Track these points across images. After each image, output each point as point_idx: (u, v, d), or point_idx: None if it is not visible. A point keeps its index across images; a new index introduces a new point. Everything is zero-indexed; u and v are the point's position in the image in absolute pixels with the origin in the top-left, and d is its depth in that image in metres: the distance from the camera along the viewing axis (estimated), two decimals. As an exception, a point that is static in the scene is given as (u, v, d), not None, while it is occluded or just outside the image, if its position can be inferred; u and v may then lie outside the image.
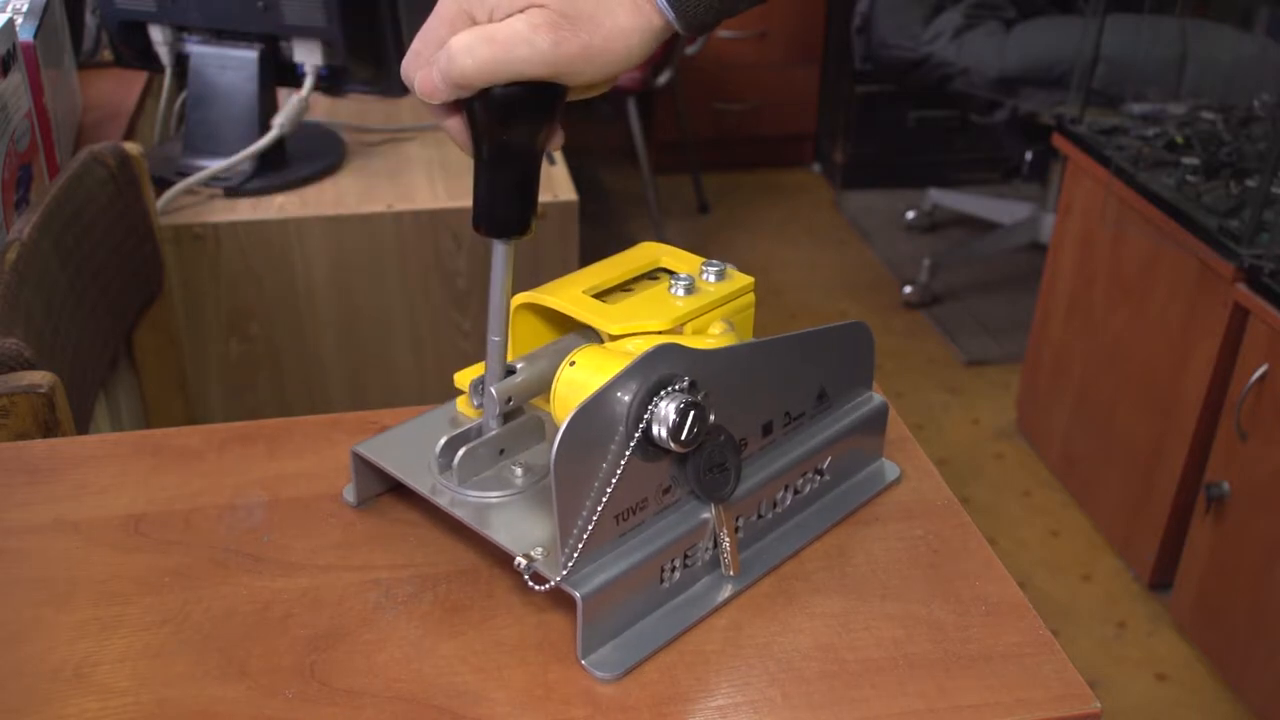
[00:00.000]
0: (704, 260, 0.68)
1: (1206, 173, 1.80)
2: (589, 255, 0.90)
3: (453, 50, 0.55)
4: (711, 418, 0.59)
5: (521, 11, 0.55)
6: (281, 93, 1.44)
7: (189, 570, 0.65)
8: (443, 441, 0.65)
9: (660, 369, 0.58)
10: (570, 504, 0.56)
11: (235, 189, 1.38)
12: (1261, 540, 1.64)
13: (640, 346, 0.61)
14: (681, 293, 0.65)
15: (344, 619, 0.62)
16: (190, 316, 1.38)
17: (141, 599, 0.63)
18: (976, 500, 2.22)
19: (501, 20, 0.55)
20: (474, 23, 0.56)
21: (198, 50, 1.39)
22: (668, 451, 0.58)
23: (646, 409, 0.57)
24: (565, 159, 1.51)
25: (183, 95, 1.48)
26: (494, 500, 0.64)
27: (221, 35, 1.38)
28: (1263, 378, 1.59)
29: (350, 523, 0.69)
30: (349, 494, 0.71)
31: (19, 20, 1.21)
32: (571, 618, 0.58)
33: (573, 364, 0.61)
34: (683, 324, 0.64)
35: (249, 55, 1.37)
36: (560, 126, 0.61)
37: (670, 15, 0.57)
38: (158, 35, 1.40)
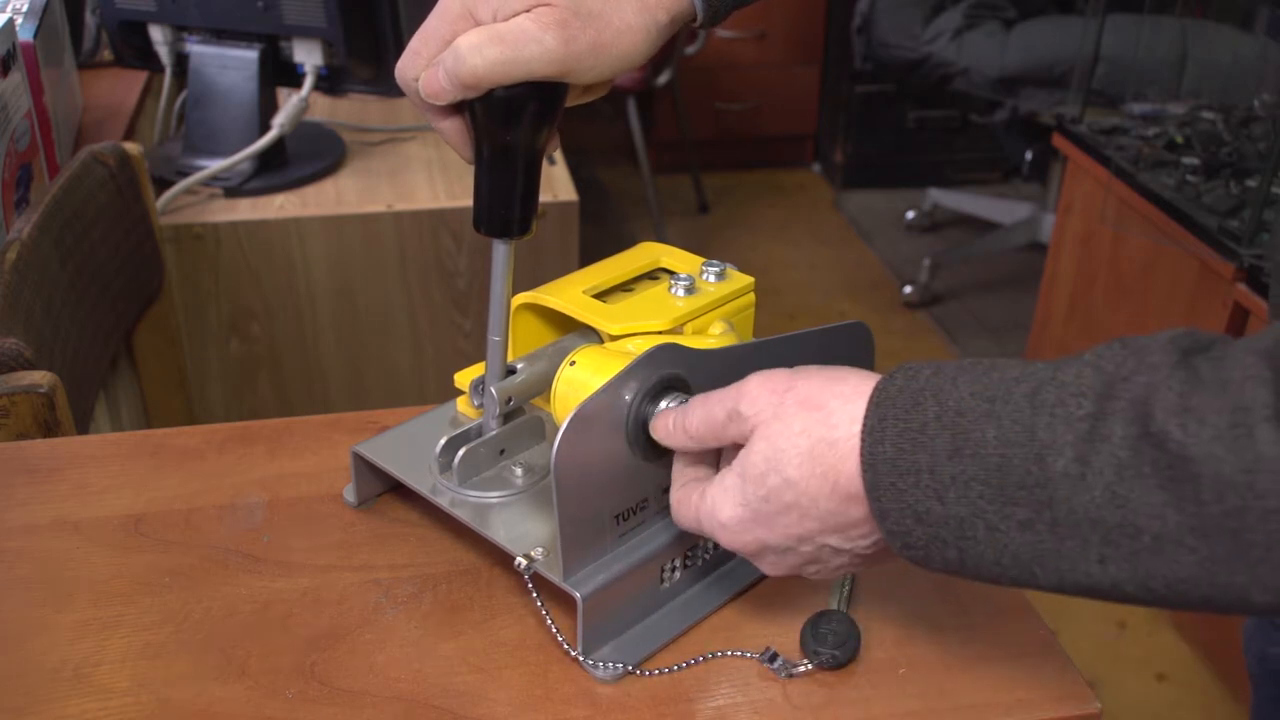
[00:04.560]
0: (704, 260, 0.68)
1: (1206, 173, 1.80)
2: (589, 255, 0.90)
3: (461, 50, 0.54)
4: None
5: (527, 11, 0.55)
6: (281, 93, 1.43)
7: (189, 570, 0.65)
8: (443, 441, 0.65)
9: (660, 369, 0.58)
10: (570, 504, 0.56)
11: (235, 189, 1.38)
12: (1261, 540, 1.63)
13: (640, 346, 0.61)
14: (681, 293, 0.65)
15: (344, 619, 0.62)
16: (190, 316, 1.38)
17: (141, 599, 0.63)
18: (976, 500, 2.21)
19: (507, 19, 0.55)
20: (477, 22, 0.56)
21: (198, 50, 1.38)
22: (668, 451, 0.58)
23: (647, 409, 0.57)
24: (565, 159, 1.51)
25: (183, 95, 1.48)
26: (494, 500, 0.64)
27: (221, 35, 1.38)
28: (1263, 378, 1.59)
29: (350, 523, 0.69)
30: (349, 494, 0.71)
31: (19, 20, 1.21)
32: (572, 618, 0.58)
33: (573, 364, 0.61)
34: (683, 324, 0.64)
35: (249, 55, 1.37)
36: (557, 129, 0.61)
37: (699, 5, 0.58)
38: (158, 35, 1.40)
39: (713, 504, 0.54)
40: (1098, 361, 0.44)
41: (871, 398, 0.49)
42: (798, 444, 0.51)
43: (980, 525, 0.46)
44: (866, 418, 0.49)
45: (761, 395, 0.53)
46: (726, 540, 0.55)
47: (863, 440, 0.49)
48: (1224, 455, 0.40)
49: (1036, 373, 0.46)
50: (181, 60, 1.42)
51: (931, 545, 0.48)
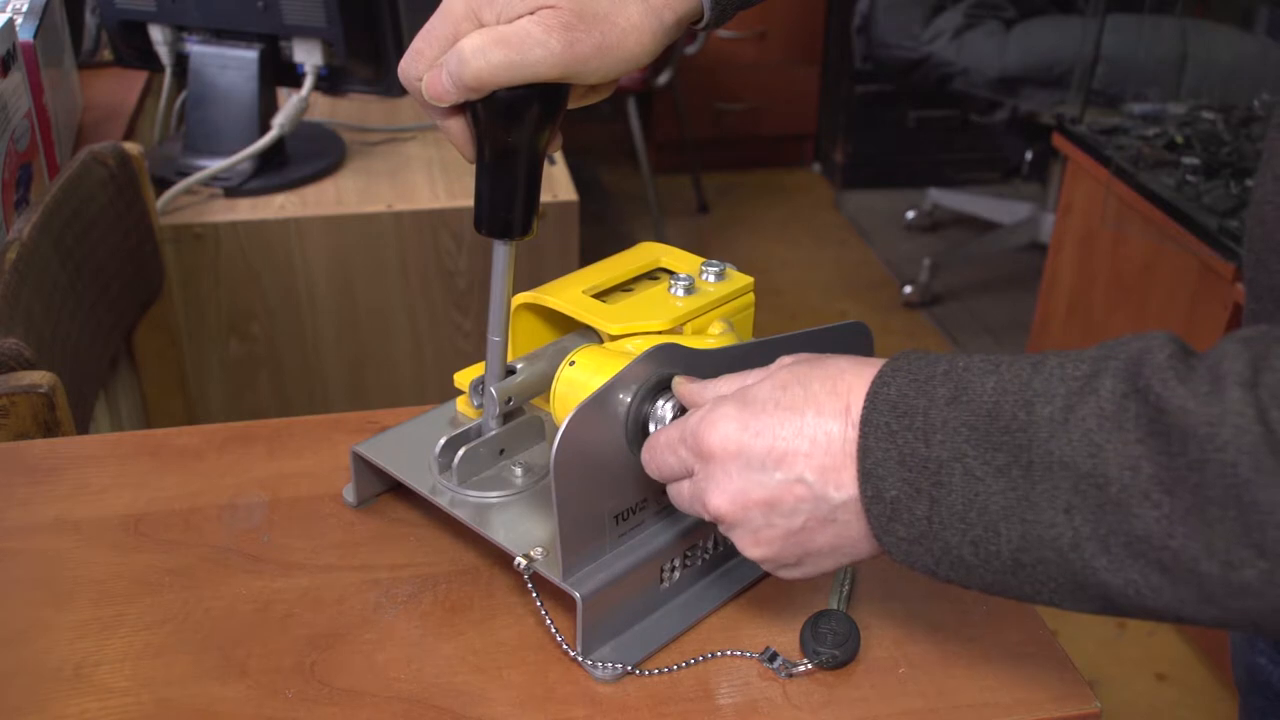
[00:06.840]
0: (704, 260, 0.68)
1: (1206, 173, 1.80)
2: (589, 255, 0.90)
3: (464, 53, 0.54)
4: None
5: (532, 13, 0.55)
6: (281, 93, 1.43)
7: (189, 570, 0.65)
8: (443, 441, 0.65)
9: (659, 369, 0.58)
10: (570, 504, 0.56)
11: (235, 189, 1.38)
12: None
13: (640, 346, 0.61)
14: (681, 293, 0.65)
15: (344, 619, 0.62)
16: (190, 316, 1.38)
17: (141, 599, 0.63)
18: (976, 500, 2.21)
19: (511, 21, 0.55)
20: (481, 24, 0.55)
21: (198, 50, 1.39)
22: (668, 451, 0.58)
23: (646, 409, 0.57)
24: (565, 159, 1.51)
25: (183, 95, 1.48)
26: (494, 500, 0.64)
27: (221, 35, 1.38)
28: (1263, 378, 1.58)
29: (350, 523, 0.69)
30: (349, 494, 0.71)
31: (19, 20, 1.21)
32: (571, 618, 0.58)
33: (573, 364, 0.61)
34: (683, 324, 0.64)
35: (249, 55, 1.37)
36: (559, 129, 0.61)
37: (706, 4, 0.58)
38: (158, 35, 1.40)
39: (704, 419, 0.53)
40: (1101, 343, 0.47)
41: (890, 360, 0.51)
42: (822, 370, 0.52)
43: (958, 469, 0.47)
44: (881, 371, 0.51)
45: (787, 359, 0.55)
46: (707, 447, 0.52)
47: (872, 383, 0.50)
48: (1194, 409, 0.41)
49: (1044, 353, 0.48)
50: (181, 60, 1.42)
51: (902, 496, 0.48)
